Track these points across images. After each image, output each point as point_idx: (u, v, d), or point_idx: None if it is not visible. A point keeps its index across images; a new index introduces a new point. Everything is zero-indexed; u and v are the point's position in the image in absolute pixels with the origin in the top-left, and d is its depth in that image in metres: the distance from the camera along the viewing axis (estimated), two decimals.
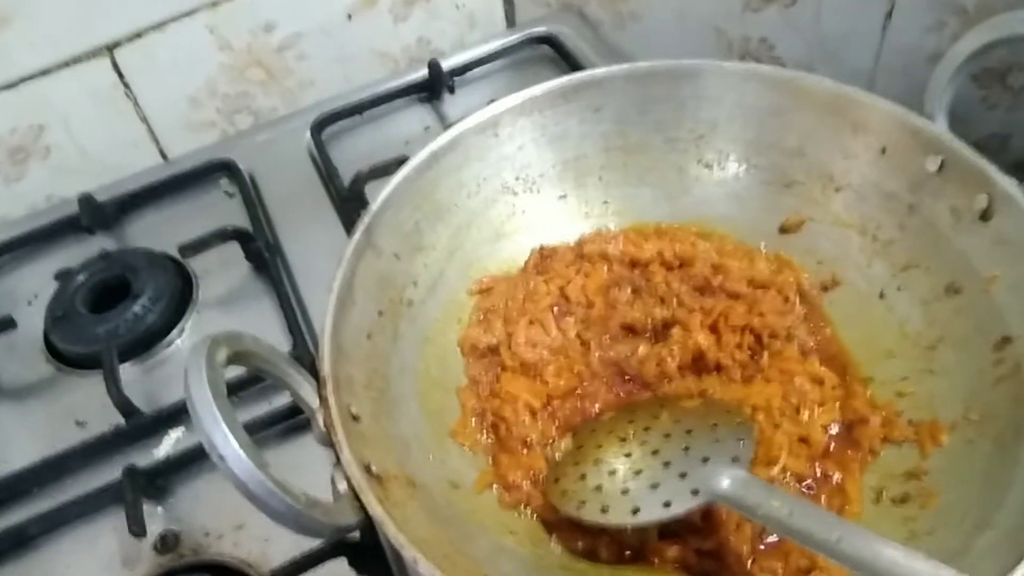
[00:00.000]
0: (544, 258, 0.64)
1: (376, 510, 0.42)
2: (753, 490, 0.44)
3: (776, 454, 0.51)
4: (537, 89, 0.63)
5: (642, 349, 0.58)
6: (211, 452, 0.39)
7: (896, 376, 0.55)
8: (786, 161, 0.63)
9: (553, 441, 0.55)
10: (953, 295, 0.54)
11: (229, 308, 0.74)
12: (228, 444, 0.39)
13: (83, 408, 0.68)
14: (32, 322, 0.75)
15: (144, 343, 0.71)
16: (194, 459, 0.62)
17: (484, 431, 0.56)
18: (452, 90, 0.89)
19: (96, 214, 0.81)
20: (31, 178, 0.85)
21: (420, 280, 0.60)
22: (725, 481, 0.45)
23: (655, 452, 0.49)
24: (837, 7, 0.79)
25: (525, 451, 0.54)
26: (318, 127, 0.86)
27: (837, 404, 0.54)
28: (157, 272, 0.75)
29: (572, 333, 0.60)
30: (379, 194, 0.58)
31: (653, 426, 0.51)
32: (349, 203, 0.77)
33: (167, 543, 0.59)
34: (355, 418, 0.48)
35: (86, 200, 0.81)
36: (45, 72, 0.79)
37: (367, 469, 0.45)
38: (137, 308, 0.72)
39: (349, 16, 0.89)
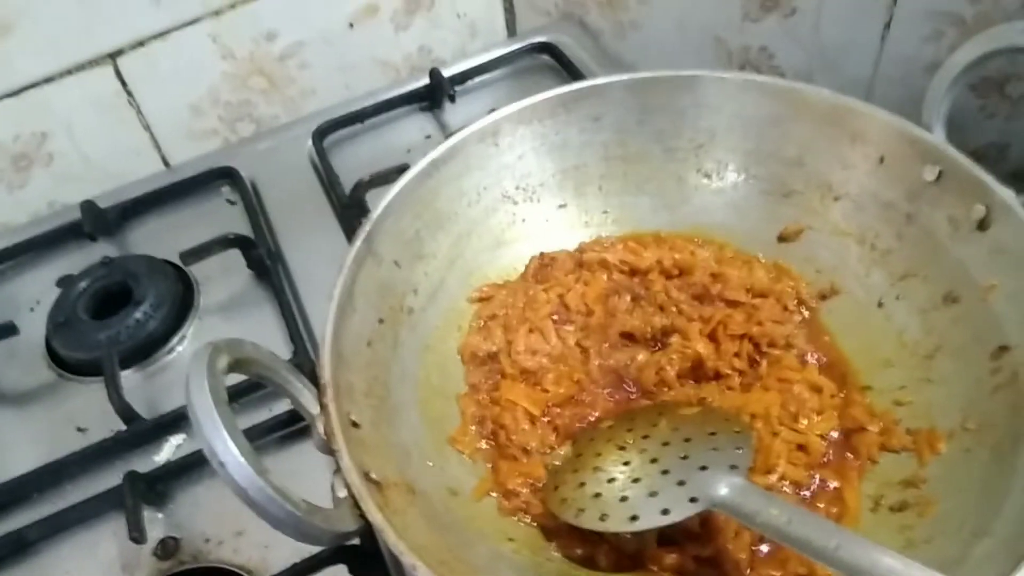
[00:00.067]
0: (544, 266, 0.64)
1: (376, 517, 0.42)
2: (751, 498, 0.44)
3: (774, 462, 0.52)
4: (537, 98, 0.64)
5: (641, 357, 0.59)
6: (211, 459, 0.39)
7: (894, 385, 0.55)
8: (785, 171, 0.63)
9: (552, 449, 0.55)
10: (951, 304, 0.55)
11: (230, 315, 0.75)
12: (228, 451, 0.39)
13: (84, 414, 0.68)
14: (34, 328, 0.75)
15: (145, 350, 0.72)
16: (194, 465, 0.62)
17: (484, 438, 0.57)
18: (453, 99, 0.90)
19: (98, 221, 0.81)
20: (34, 185, 0.86)
21: (420, 288, 0.61)
22: (723, 489, 0.45)
23: (654, 460, 0.49)
24: (836, 17, 0.79)
25: (524, 458, 0.55)
26: (319, 135, 0.86)
27: (835, 412, 0.55)
28: (158, 279, 0.75)
29: (572, 341, 0.60)
30: (380, 202, 0.58)
31: (652, 434, 0.51)
32: (350, 211, 0.77)
33: (167, 549, 0.59)
34: (355, 425, 0.48)
35: (88, 207, 0.81)
36: (48, 79, 0.80)
37: (367, 476, 0.45)
38: (138, 315, 0.72)
39: (351, 25, 0.90)
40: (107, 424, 0.66)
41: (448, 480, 0.54)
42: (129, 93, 0.84)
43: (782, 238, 0.63)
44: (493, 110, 0.63)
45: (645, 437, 0.51)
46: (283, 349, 0.68)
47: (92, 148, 0.86)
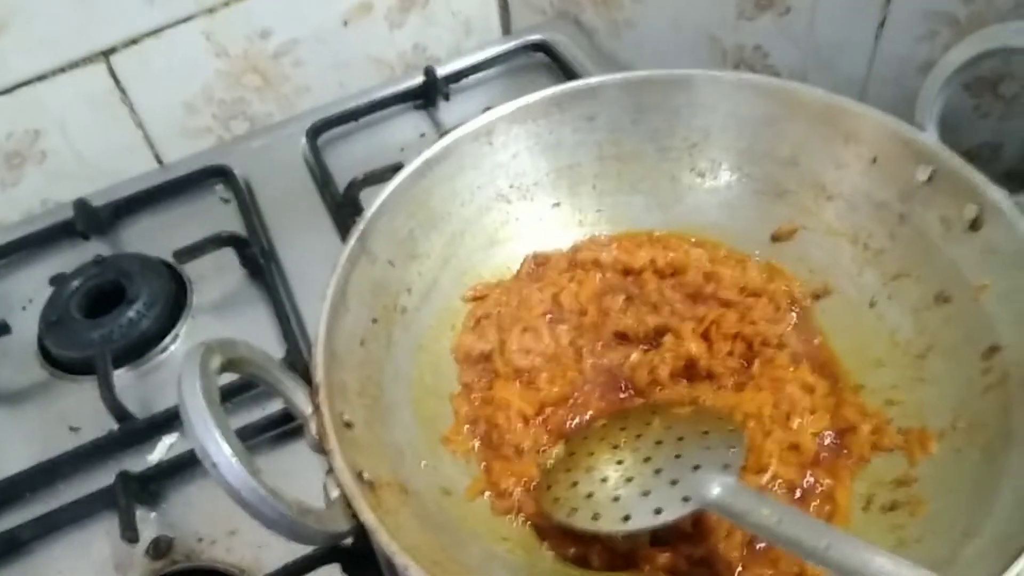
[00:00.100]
0: (538, 265, 0.65)
1: (368, 517, 0.42)
2: (743, 497, 0.44)
3: (767, 461, 0.52)
4: (531, 98, 0.64)
5: (634, 356, 0.59)
6: (204, 459, 0.39)
7: (886, 384, 0.55)
8: (779, 170, 0.63)
9: (545, 448, 0.55)
10: (943, 304, 0.55)
11: (223, 314, 0.75)
12: (221, 451, 0.39)
13: (77, 413, 0.68)
14: (26, 327, 0.75)
15: (138, 349, 0.72)
16: (187, 465, 0.62)
17: (477, 438, 0.57)
18: (447, 97, 0.90)
19: (91, 219, 0.81)
20: (27, 183, 0.86)
21: (414, 287, 0.61)
22: (715, 488, 0.45)
23: (647, 459, 0.49)
24: (831, 16, 0.79)
25: (517, 458, 0.55)
26: (313, 133, 0.86)
27: (828, 412, 0.55)
28: (152, 277, 0.75)
29: (565, 340, 0.60)
30: (374, 201, 0.58)
31: (645, 433, 0.51)
32: (344, 209, 0.77)
33: (160, 549, 0.59)
34: (348, 425, 0.48)
35: (81, 205, 0.81)
36: (41, 77, 0.80)
37: (359, 476, 0.45)
38: (131, 313, 0.72)
39: (345, 23, 0.89)
40: (100, 423, 0.66)
41: (441, 480, 0.54)
42: (122, 91, 0.84)
43: (775, 238, 0.63)
44: (488, 109, 0.64)
45: (638, 436, 0.51)
46: (276, 348, 0.68)
47: (85, 146, 0.86)
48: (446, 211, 0.63)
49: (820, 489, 0.51)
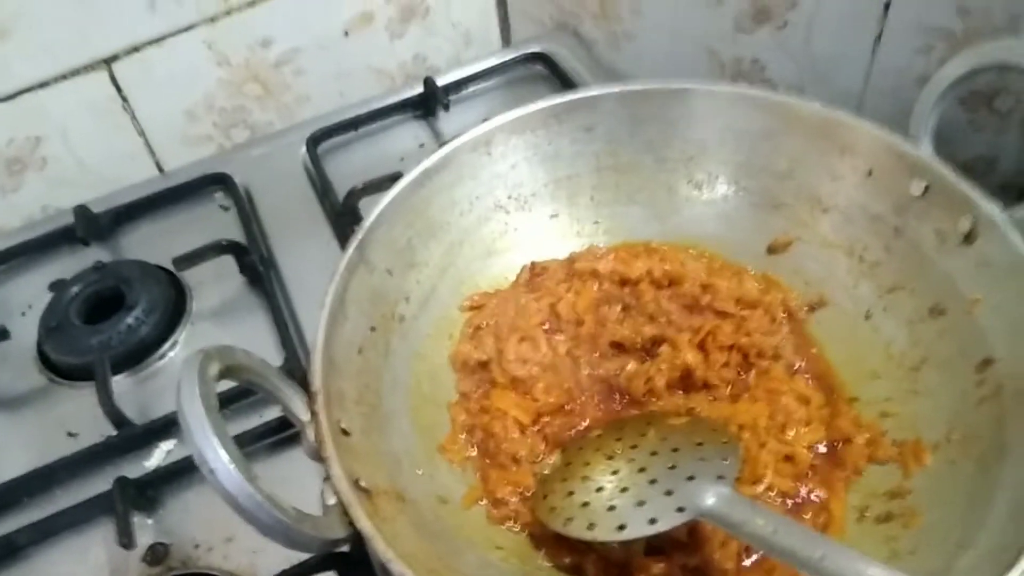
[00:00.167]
0: (535, 275, 0.65)
1: (364, 525, 0.43)
2: (738, 508, 0.44)
3: (762, 472, 0.52)
4: (530, 108, 0.64)
5: (631, 366, 0.59)
6: (201, 466, 0.39)
7: (881, 396, 0.56)
8: (775, 183, 0.63)
9: (541, 457, 0.56)
10: (937, 317, 0.55)
11: (222, 321, 0.75)
12: (218, 458, 0.39)
13: (75, 419, 0.68)
14: (25, 333, 0.75)
15: (137, 355, 0.72)
16: (184, 471, 0.62)
17: (473, 446, 0.57)
18: (447, 107, 0.90)
19: (91, 226, 0.81)
20: (27, 189, 0.86)
21: (412, 296, 0.61)
22: (710, 498, 0.45)
23: (642, 469, 0.49)
24: (827, 30, 0.80)
25: (514, 467, 0.55)
26: (314, 142, 0.86)
27: (822, 423, 0.55)
28: (151, 284, 0.75)
29: (562, 350, 0.61)
30: (373, 210, 0.58)
31: (640, 443, 0.51)
32: (343, 218, 0.77)
33: (157, 555, 0.59)
34: (345, 433, 0.49)
35: (82, 211, 0.81)
36: (43, 84, 0.80)
37: (356, 484, 0.45)
38: (130, 320, 0.72)
39: (346, 33, 0.90)
40: (98, 429, 0.66)
41: (438, 488, 0.54)
42: (124, 99, 0.84)
43: (771, 250, 0.64)
44: (486, 119, 0.64)
45: (634, 447, 0.51)
46: (275, 356, 0.68)
47: (86, 153, 0.86)
48: (444, 221, 0.63)
49: (815, 500, 0.52)
